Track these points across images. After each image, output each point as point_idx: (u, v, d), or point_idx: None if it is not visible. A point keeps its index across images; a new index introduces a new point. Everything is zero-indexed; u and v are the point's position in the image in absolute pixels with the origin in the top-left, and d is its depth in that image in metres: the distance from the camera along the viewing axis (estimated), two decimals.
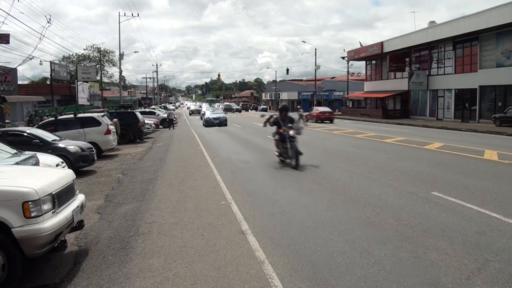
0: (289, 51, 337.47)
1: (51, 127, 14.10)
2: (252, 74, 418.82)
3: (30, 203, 3.95)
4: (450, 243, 4.90)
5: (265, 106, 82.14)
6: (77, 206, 4.86)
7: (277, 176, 9.78)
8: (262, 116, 13.26)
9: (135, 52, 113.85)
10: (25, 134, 11.21)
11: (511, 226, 5.51)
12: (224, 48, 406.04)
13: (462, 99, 32.03)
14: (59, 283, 4.22)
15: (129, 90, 76.11)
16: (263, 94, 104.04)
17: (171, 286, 4.02)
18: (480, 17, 27.79)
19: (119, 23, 43.61)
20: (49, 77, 39.17)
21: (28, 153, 8.21)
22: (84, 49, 61.04)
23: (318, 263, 4.44)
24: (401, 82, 38.53)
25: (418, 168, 10.19)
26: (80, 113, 17.01)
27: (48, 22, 27.55)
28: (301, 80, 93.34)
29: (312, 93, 60.24)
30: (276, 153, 11.56)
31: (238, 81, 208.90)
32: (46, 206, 4.13)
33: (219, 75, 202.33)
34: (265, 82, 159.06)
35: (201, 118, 38.66)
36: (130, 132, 20.48)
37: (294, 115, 12.25)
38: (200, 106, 68.39)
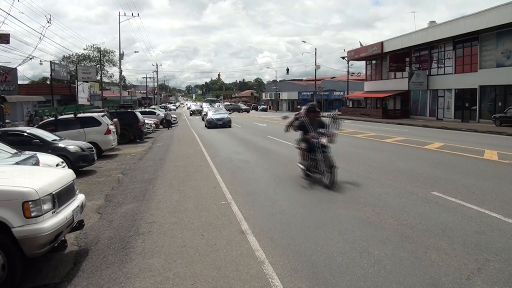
0: (289, 51, 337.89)
1: (51, 127, 14.10)
2: (252, 74, 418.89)
3: (30, 203, 3.95)
4: (450, 243, 4.90)
5: (265, 106, 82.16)
6: (77, 206, 4.86)
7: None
8: (285, 118, 11.16)
9: (135, 52, 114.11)
10: (25, 134, 11.21)
11: (511, 226, 5.51)
12: (224, 48, 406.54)
13: (462, 99, 32.03)
14: (59, 283, 4.22)
15: (129, 90, 76.09)
16: (263, 94, 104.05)
17: (171, 286, 4.03)
18: (480, 17, 27.78)
19: (119, 23, 43.63)
20: (49, 77, 39.17)
21: (28, 153, 8.21)
22: (84, 49, 61.13)
23: (318, 263, 4.44)
24: (401, 82, 38.52)
25: (418, 168, 10.19)
26: (80, 113, 17.01)
27: (48, 22, 27.48)
28: (301, 80, 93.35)
29: (312, 93, 60.23)
30: (301, 166, 9.24)
31: (238, 81, 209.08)
32: (46, 206, 4.13)
33: (219, 75, 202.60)
34: (265, 82, 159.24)
35: (203, 119, 37.24)
36: (130, 132, 20.48)
37: (324, 118, 9.65)
38: (201, 106, 67.47)
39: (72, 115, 15.54)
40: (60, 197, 4.47)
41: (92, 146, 12.13)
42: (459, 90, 32.16)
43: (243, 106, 74.87)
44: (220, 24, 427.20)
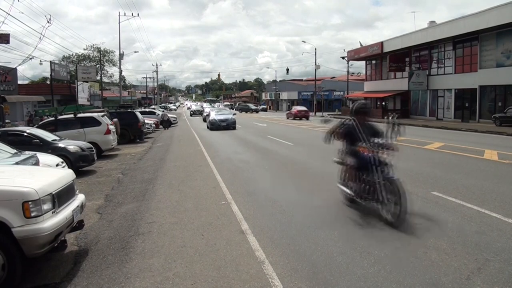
0: (289, 51, 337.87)
1: (51, 127, 14.09)
2: (252, 74, 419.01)
3: (30, 203, 3.95)
4: (450, 243, 4.90)
5: (265, 106, 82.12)
6: (77, 206, 4.86)
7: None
8: (326, 121, 8.74)
9: (135, 52, 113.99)
10: (25, 134, 11.21)
11: (511, 226, 5.51)
12: (224, 48, 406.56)
13: (462, 99, 32.03)
14: (59, 283, 4.22)
15: (129, 90, 76.06)
16: (263, 94, 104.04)
17: (171, 286, 4.02)
18: (480, 17, 27.78)
19: (119, 23, 43.65)
20: (49, 77, 39.17)
21: (28, 153, 8.21)
22: (84, 49, 61.04)
23: (318, 262, 4.44)
24: (401, 82, 38.53)
25: (418, 168, 10.19)
26: (80, 113, 17.01)
27: (48, 22, 27.46)
28: (301, 80, 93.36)
29: (312, 93, 60.26)
30: (345, 189, 6.66)
31: (238, 81, 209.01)
32: (46, 206, 4.13)
33: (219, 75, 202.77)
34: (265, 82, 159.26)
35: (204, 120, 35.39)
36: (130, 132, 20.48)
37: (377, 123, 7.02)
38: (202, 106, 66.19)
39: (72, 115, 15.54)
40: (60, 197, 4.47)
41: (92, 146, 12.13)
42: (459, 90, 32.16)
43: (253, 106, 71.99)
44: (220, 24, 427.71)
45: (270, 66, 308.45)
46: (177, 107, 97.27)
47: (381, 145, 6.19)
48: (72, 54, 58.83)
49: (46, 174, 4.99)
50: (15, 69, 31.66)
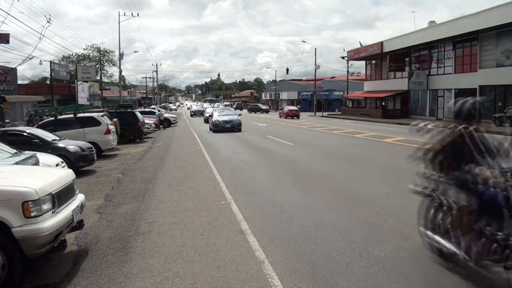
0: (289, 51, 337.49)
1: (51, 127, 14.08)
2: (252, 74, 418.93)
3: (30, 203, 3.95)
4: None
5: (265, 107, 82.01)
6: (77, 206, 4.86)
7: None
8: (420, 130, 5.07)
9: (135, 52, 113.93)
10: (25, 134, 11.20)
11: None
12: (224, 48, 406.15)
13: None
14: (59, 283, 4.22)
15: (129, 90, 75.98)
16: (263, 94, 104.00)
17: (171, 285, 4.02)
18: (480, 17, 27.79)
19: (119, 22, 43.58)
20: (49, 77, 39.13)
21: (28, 153, 8.21)
22: (84, 49, 60.86)
23: (318, 262, 4.44)
24: (401, 82, 38.53)
25: (418, 168, 10.17)
26: (80, 113, 16.99)
27: (48, 21, 27.42)
28: (301, 80, 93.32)
29: (312, 93, 60.24)
30: (442, 241, 4.21)
31: (238, 81, 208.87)
32: (46, 206, 4.13)
33: (219, 75, 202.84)
34: (265, 82, 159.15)
35: (205, 121, 33.68)
36: (130, 131, 20.46)
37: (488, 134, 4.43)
38: (203, 106, 63.68)
39: (71, 115, 15.53)
40: (60, 197, 4.47)
41: (91, 146, 12.12)
42: (459, 90, 32.14)
43: (263, 106, 69.29)
44: (220, 24, 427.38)
45: (270, 66, 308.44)
46: (177, 107, 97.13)
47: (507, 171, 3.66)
48: (72, 54, 58.80)
49: (46, 174, 4.99)
50: (15, 69, 31.63)
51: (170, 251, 4.93)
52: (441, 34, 32.06)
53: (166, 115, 35.62)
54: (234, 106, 69.78)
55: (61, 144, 11.14)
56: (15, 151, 8.10)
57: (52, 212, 4.24)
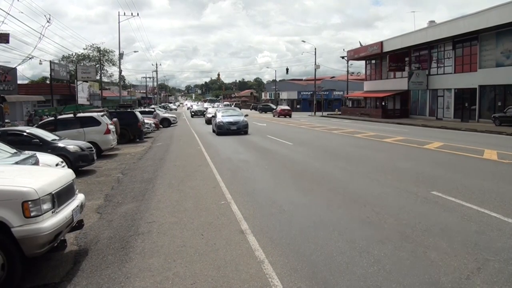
0: (289, 50, 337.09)
1: (50, 127, 14.08)
2: (252, 74, 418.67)
3: (29, 202, 3.95)
4: (450, 243, 4.90)
5: (267, 106, 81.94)
6: (77, 206, 4.86)
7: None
8: None
9: (135, 51, 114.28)
10: (25, 133, 11.20)
11: (511, 226, 5.51)
12: (224, 48, 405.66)
13: (462, 99, 32.05)
14: (59, 282, 4.22)
15: (129, 89, 75.96)
16: (263, 94, 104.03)
17: (171, 285, 4.02)
18: (480, 17, 27.80)
19: (119, 22, 43.57)
20: (49, 76, 39.12)
21: (27, 153, 8.20)
22: (84, 49, 60.87)
23: (317, 262, 4.44)
24: (401, 82, 38.55)
25: (418, 168, 10.20)
26: (79, 112, 16.98)
27: (47, 21, 27.39)
28: (301, 80, 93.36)
29: (311, 92, 60.23)
30: None
31: (237, 81, 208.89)
32: (45, 206, 4.13)
33: (218, 74, 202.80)
34: (264, 81, 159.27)
35: (207, 122, 32.01)
36: (130, 131, 20.46)
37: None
38: (204, 106, 61.69)
39: (71, 115, 15.52)
40: (60, 197, 4.46)
41: (91, 145, 12.11)
42: (459, 89, 32.18)
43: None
44: (220, 23, 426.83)
45: (270, 65, 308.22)
46: (177, 107, 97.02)
47: None
48: (72, 53, 58.74)
49: (46, 173, 4.98)
50: (14, 69, 31.61)
51: (170, 251, 4.93)
52: (441, 34, 32.08)
53: (165, 115, 35.60)
54: (232, 106, 68.00)
55: (61, 144, 11.14)
56: (14, 151, 8.10)
57: (52, 212, 4.24)
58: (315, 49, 53.59)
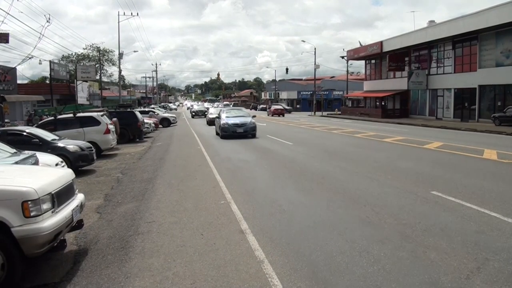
0: (289, 50, 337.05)
1: (50, 127, 14.07)
2: (252, 74, 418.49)
3: (29, 202, 3.94)
4: (450, 243, 4.90)
5: (265, 106, 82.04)
6: (77, 206, 4.86)
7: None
8: None
9: (135, 51, 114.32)
10: (25, 133, 11.19)
11: (511, 225, 5.51)
12: (224, 48, 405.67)
13: (462, 99, 32.05)
14: (59, 282, 4.22)
15: (129, 89, 75.95)
16: (263, 94, 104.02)
17: (171, 285, 4.02)
18: (480, 17, 27.79)
19: (119, 22, 43.52)
20: (49, 76, 39.11)
21: (27, 153, 8.20)
22: (84, 49, 60.81)
23: (317, 262, 4.44)
24: (401, 82, 38.55)
25: (418, 168, 10.20)
26: (79, 112, 16.98)
27: (47, 21, 27.41)
28: (301, 80, 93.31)
29: (311, 92, 60.22)
30: None
31: (237, 81, 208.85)
32: (45, 206, 4.13)
33: (218, 74, 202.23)
34: (264, 81, 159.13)
35: (209, 123, 30.14)
36: (130, 131, 20.46)
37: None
38: (204, 106, 60.23)
39: (71, 115, 15.52)
40: (60, 197, 4.46)
41: (91, 145, 12.11)
42: (459, 89, 32.18)
43: (287, 107, 65.47)
44: (220, 23, 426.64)
45: (269, 65, 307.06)
46: (177, 107, 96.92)
47: None
48: (72, 53, 58.73)
49: (46, 173, 4.98)
50: (14, 69, 31.59)
51: (170, 251, 4.93)
52: (441, 34, 32.08)
53: (165, 114, 35.59)
54: (230, 106, 63.35)
55: (60, 144, 11.13)
56: (14, 150, 8.10)
57: (52, 212, 4.24)
58: (315, 49, 53.60)
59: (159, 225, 6.01)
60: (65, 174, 5.02)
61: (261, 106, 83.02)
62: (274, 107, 52.68)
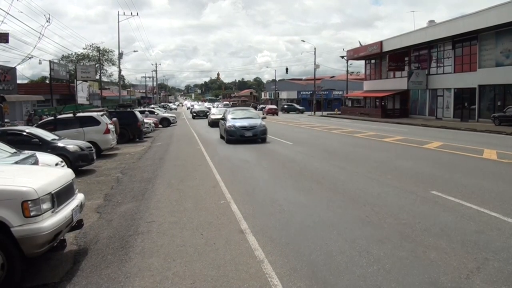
0: (289, 50, 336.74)
1: (50, 126, 14.06)
2: (252, 73, 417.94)
3: (29, 202, 3.94)
4: (449, 242, 4.91)
5: (264, 106, 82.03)
6: (77, 206, 4.86)
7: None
8: None
9: (135, 51, 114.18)
10: (25, 133, 11.19)
11: (510, 225, 5.51)
12: (224, 47, 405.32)
13: (462, 98, 32.05)
14: (59, 282, 4.22)
15: (129, 89, 75.94)
16: (263, 94, 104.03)
17: (170, 285, 4.02)
18: (480, 17, 27.79)
19: (119, 22, 43.49)
20: (49, 76, 39.10)
21: (27, 153, 8.20)
22: (84, 48, 60.80)
23: (317, 262, 4.44)
24: (401, 82, 38.55)
25: (417, 167, 10.20)
26: (79, 112, 16.98)
27: (47, 21, 27.41)
28: (301, 80, 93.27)
29: (311, 92, 60.24)
30: None
31: (237, 80, 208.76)
32: (45, 206, 4.13)
33: (218, 74, 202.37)
34: (264, 81, 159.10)
35: (210, 125, 28.60)
36: (130, 131, 20.45)
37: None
38: (205, 106, 58.65)
39: (71, 115, 15.51)
40: (59, 197, 4.46)
41: (91, 145, 12.10)
42: (458, 89, 32.19)
43: (299, 107, 63.21)
44: (220, 23, 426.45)
45: (269, 65, 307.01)
46: (177, 107, 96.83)
47: None
48: (72, 53, 58.75)
49: (46, 173, 4.98)
50: (14, 69, 31.57)
51: (170, 251, 4.93)
52: (441, 34, 32.08)
53: (165, 114, 35.58)
54: (229, 106, 59.60)
55: (60, 144, 11.13)
56: (14, 150, 8.10)
57: (52, 212, 4.24)
58: (315, 48, 53.61)
59: (159, 225, 6.01)
60: (65, 174, 5.02)
61: (261, 106, 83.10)
62: (268, 107, 59.42)
